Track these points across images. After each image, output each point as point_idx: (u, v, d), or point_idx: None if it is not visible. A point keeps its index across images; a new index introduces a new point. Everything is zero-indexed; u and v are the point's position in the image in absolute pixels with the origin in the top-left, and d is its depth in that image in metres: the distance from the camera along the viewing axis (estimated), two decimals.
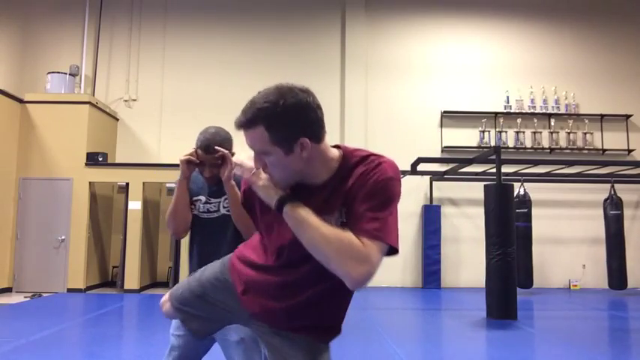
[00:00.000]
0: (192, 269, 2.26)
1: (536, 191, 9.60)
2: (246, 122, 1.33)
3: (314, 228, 1.29)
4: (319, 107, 1.34)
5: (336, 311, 1.52)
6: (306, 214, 1.31)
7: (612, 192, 9.25)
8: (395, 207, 1.37)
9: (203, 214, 2.24)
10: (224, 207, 2.24)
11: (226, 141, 2.22)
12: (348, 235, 1.28)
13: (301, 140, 1.30)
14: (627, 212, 9.72)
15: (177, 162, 2.31)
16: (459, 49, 10.65)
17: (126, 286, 8.70)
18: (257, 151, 1.36)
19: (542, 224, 9.71)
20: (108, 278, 9.73)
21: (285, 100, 1.29)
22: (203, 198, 2.26)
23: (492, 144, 10.02)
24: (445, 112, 10.37)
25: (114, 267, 9.73)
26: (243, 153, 1.43)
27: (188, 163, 2.18)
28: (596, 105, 10.50)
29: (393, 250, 1.36)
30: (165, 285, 9.52)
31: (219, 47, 10.54)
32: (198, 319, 1.64)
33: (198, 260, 2.24)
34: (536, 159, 9.15)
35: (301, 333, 1.49)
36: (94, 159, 8.96)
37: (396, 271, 9.85)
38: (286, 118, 1.29)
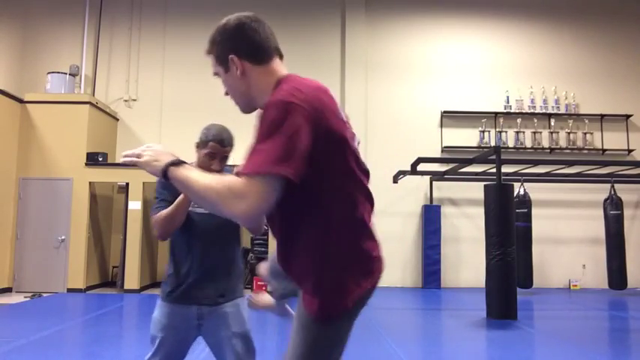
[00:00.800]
0: (182, 263, 2.26)
1: (536, 191, 9.60)
2: (206, 51, 1.48)
3: (194, 182, 1.31)
4: (258, 30, 1.42)
5: (303, 266, 1.42)
6: (187, 172, 1.33)
7: (612, 192, 9.25)
8: (274, 132, 1.25)
9: (196, 209, 2.25)
10: None
11: (232, 137, 2.32)
12: (227, 178, 1.29)
13: (231, 56, 1.41)
14: (627, 212, 9.73)
15: None
16: (459, 49, 10.65)
17: (126, 286, 8.70)
18: (214, 74, 1.49)
19: (542, 224, 9.71)
20: (108, 278, 9.73)
21: (224, 23, 1.44)
22: None
23: (492, 144, 10.02)
24: (445, 112, 10.37)
25: (114, 267, 9.73)
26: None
27: None
28: (596, 105, 10.50)
29: (284, 177, 1.25)
30: None
31: None
32: (279, 285, 1.83)
33: (200, 254, 2.24)
34: (536, 159, 9.15)
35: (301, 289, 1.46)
36: (94, 159, 8.96)
37: (396, 271, 9.85)
38: (222, 37, 1.43)
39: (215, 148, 2.22)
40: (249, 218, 1.27)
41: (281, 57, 1.48)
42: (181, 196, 2.17)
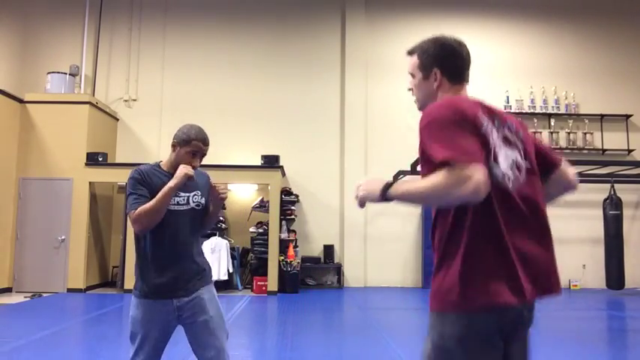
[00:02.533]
0: (157, 258, 2.32)
1: None
2: (409, 51, 1.77)
3: (416, 189, 1.45)
4: (460, 54, 1.68)
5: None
6: (403, 186, 1.50)
7: (612, 192, 9.25)
8: (437, 131, 1.46)
9: (172, 206, 2.34)
10: (193, 201, 2.40)
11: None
12: (430, 176, 1.41)
13: (435, 70, 1.67)
14: (627, 212, 9.72)
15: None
16: None
17: (126, 286, 8.69)
18: (409, 73, 1.76)
19: None
20: (108, 278, 9.73)
21: (437, 40, 1.69)
22: None
23: None
24: None
25: (114, 267, 9.73)
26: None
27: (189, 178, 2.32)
28: (596, 105, 10.50)
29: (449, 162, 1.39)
30: None
31: (219, 47, 10.54)
32: None
33: (170, 248, 2.33)
34: None
35: None
36: (94, 159, 8.96)
37: (396, 271, 9.84)
38: (432, 51, 1.68)
39: (198, 147, 2.35)
40: (474, 194, 1.36)
41: (467, 82, 1.72)
42: (165, 189, 2.25)
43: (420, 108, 1.73)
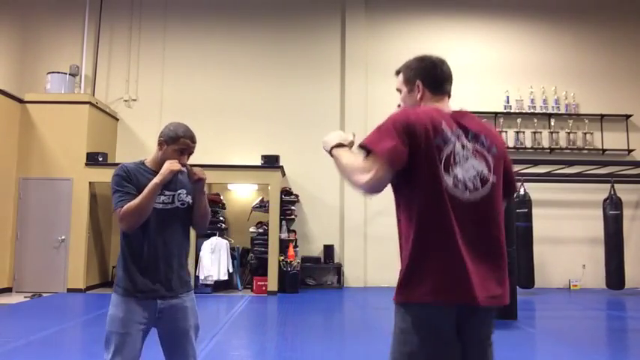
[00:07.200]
0: (141, 256, 2.28)
1: (536, 191, 9.59)
2: (397, 71, 1.89)
3: (338, 161, 1.70)
4: (440, 69, 1.79)
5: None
6: (339, 151, 1.72)
7: (612, 192, 9.25)
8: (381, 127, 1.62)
9: (157, 205, 2.31)
10: (178, 200, 2.37)
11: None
12: (353, 155, 1.67)
13: (417, 82, 1.78)
14: (627, 212, 9.72)
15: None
16: (459, 49, 10.64)
17: None
18: (397, 89, 1.88)
19: (542, 224, 9.70)
20: (108, 278, 9.73)
21: (417, 58, 1.84)
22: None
23: None
24: None
25: (114, 267, 9.73)
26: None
27: (178, 172, 2.31)
28: (596, 105, 10.50)
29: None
30: None
31: (219, 47, 10.54)
32: None
33: (155, 247, 2.28)
34: (536, 159, 9.16)
35: None
36: (94, 159, 8.96)
37: (397, 271, 9.81)
38: (414, 67, 1.82)
39: (186, 144, 2.33)
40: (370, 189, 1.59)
41: (449, 97, 1.81)
42: (150, 186, 2.23)
43: None
